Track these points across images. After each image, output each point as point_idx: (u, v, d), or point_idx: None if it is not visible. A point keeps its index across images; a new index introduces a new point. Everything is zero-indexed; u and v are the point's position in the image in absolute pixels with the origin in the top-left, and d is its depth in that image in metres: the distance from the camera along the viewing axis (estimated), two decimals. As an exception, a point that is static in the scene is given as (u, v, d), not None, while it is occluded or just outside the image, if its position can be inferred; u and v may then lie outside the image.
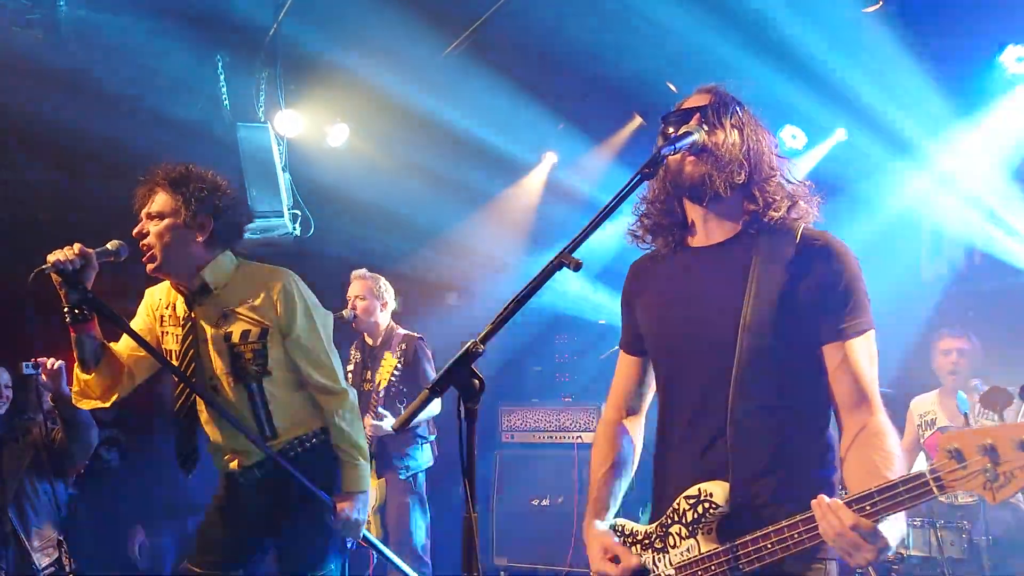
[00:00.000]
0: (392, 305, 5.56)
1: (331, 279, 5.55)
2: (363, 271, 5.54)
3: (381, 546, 3.63)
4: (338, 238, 6.76)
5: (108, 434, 5.65)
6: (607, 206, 1.96)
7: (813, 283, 2.08)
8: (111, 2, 5.52)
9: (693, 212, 2.26)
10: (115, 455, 6.16)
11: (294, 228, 6.69)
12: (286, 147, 6.69)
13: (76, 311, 3.01)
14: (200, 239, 3.18)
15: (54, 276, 2.92)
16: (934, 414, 5.30)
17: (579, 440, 6.44)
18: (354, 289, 5.47)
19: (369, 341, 5.50)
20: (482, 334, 1.80)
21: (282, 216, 6.48)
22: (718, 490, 2.04)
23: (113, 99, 5.66)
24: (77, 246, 2.96)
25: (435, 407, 5.11)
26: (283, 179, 6.52)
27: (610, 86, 6.42)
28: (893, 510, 1.78)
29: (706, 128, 2.16)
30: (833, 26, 5.39)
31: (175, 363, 3.24)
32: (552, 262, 1.86)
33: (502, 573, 6.38)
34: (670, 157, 2.14)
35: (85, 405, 3.27)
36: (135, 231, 3.17)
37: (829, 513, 1.82)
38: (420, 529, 5.28)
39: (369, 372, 5.44)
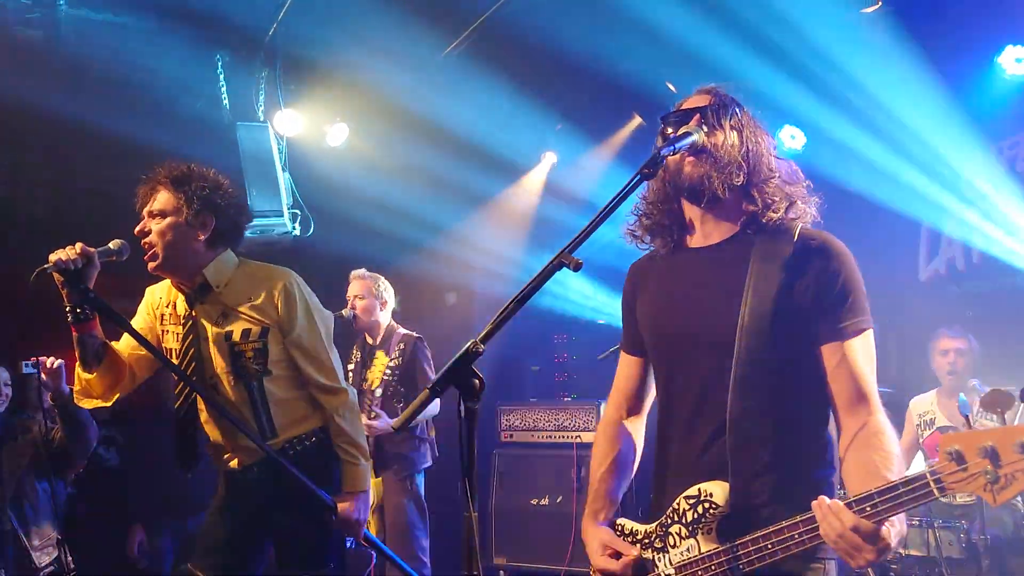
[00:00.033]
0: (392, 304, 5.56)
1: (330, 278, 5.56)
2: (362, 271, 5.54)
3: (382, 545, 3.63)
4: (337, 237, 6.76)
5: (106, 433, 5.64)
6: (607, 206, 1.97)
7: (811, 283, 2.08)
8: (111, 1, 5.52)
9: (691, 212, 2.26)
10: (113, 454, 6.16)
11: (293, 227, 6.70)
12: (286, 146, 6.70)
13: (78, 310, 3.01)
14: (202, 238, 3.19)
15: (56, 275, 2.92)
16: (933, 414, 5.30)
17: (578, 440, 6.43)
18: (353, 289, 5.48)
19: (370, 341, 5.51)
20: (482, 334, 1.80)
21: (281, 215, 6.49)
22: (718, 490, 2.04)
23: (113, 98, 5.67)
24: (79, 245, 2.96)
25: (434, 407, 5.11)
26: (283, 178, 6.53)
27: (609, 86, 6.43)
28: (894, 511, 1.78)
29: (705, 129, 2.17)
30: (832, 26, 5.39)
31: (175, 361, 3.24)
32: (552, 262, 1.87)
33: (501, 572, 6.38)
34: (669, 158, 2.15)
35: (87, 404, 3.28)
36: (137, 229, 3.17)
37: (830, 514, 1.83)
38: (418, 529, 5.27)
39: (367, 372, 5.45)
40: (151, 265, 3.17)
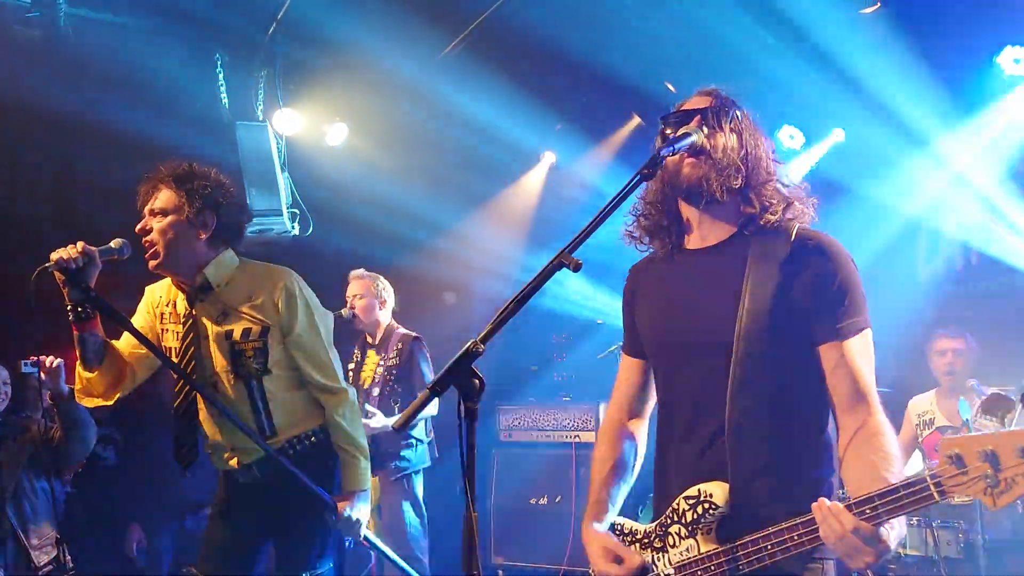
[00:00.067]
0: (392, 304, 5.56)
1: (329, 278, 5.56)
2: (361, 271, 5.55)
3: (381, 545, 3.63)
4: (336, 237, 6.76)
5: (104, 432, 5.64)
6: (606, 207, 1.97)
7: (808, 282, 2.08)
8: (111, 1, 5.52)
9: (689, 213, 2.27)
10: (112, 453, 6.16)
11: (292, 227, 6.69)
12: (285, 146, 6.70)
13: (79, 309, 3.01)
14: (203, 236, 3.19)
15: (57, 274, 2.92)
16: (932, 414, 5.31)
17: (577, 439, 6.44)
18: (352, 289, 5.48)
19: (370, 340, 5.51)
20: (482, 334, 1.80)
21: (281, 215, 6.49)
22: (718, 491, 2.04)
23: (112, 98, 5.66)
24: (80, 244, 2.97)
25: (432, 408, 5.11)
26: (282, 178, 6.52)
27: (609, 86, 6.43)
28: (894, 514, 1.79)
29: (705, 130, 2.17)
30: (831, 26, 5.40)
31: (175, 360, 3.25)
32: (552, 262, 1.87)
33: (500, 572, 6.38)
34: (668, 158, 2.15)
35: (88, 403, 3.28)
36: (138, 227, 3.17)
37: (830, 516, 1.83)
38: (415, 530, 5.26)
39: (360, 371, 5.45)
40: (152, 263, 3.17)
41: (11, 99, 5.33)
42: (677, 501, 2.11)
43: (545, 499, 6.39)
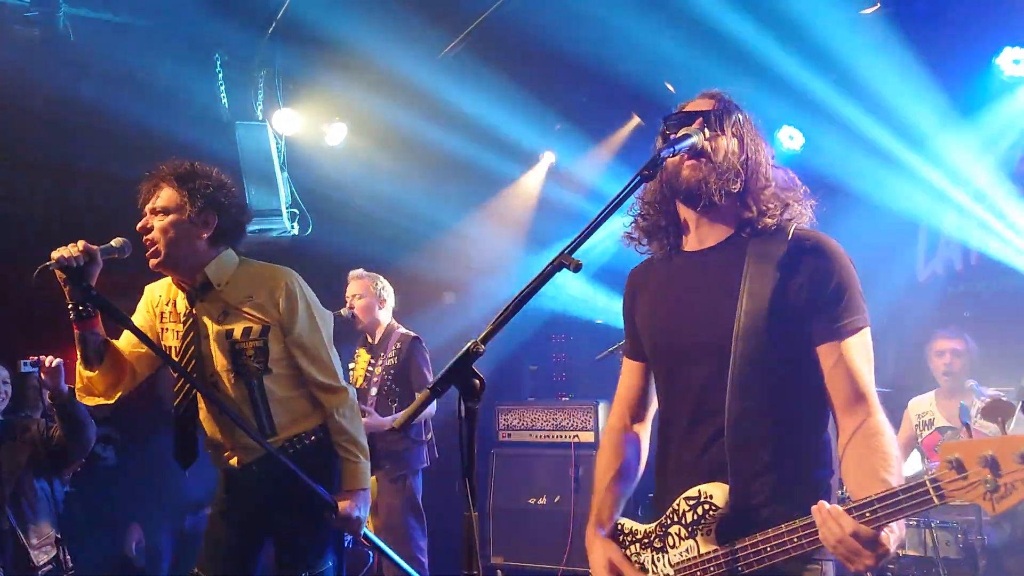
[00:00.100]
0: (391, 303, 5.55)
1: (329, 278, 5.56)
2: (360, 271, 5.54)
3: (381, 544, 3.64)
4: (336, 237, 6.76)
5: (104, 432, 5.65)
6: (607, 208, 1.97)
7: (805, 282, 2.08)
8: (110, 0, 5.52)
9: (687, 215, 2.27)
10: (111, 453, 6.17)
11: (292, 227, 6.70)
12: (284, 146, 6.70)
13: (80, 308, 3.01)
14: (204, 236, 3.19)
15: (58, 273, 2.92)
16: (932, 415, 5.32)
17: (576, 439, 6.44)
18: (352, 289, 5.47)
19: (371, 340, 5.50)
20: (483, 334, 1.81)
21: (280, 215, 6.50)
22: (718, 492, 2.05)
23: (111, 97, 5.67)
24: (81, 243, 2.97)
25: (430, 408, 5.10)
26: (281, 178, 6.53)
27: (608, 86, 6.44)
28: (893, 518, 1.79)
29: (707, 133, 2.17)
30: (830, 27, 5.40)
31: (175, 359, 3.25)
32: (552, 263, 1.87)
33: (499, 572, 6.38)
34: (669, 159, 2.15)
35: (89, 402, 3.28)
36: (139, 225, 3.17)
37: (830, 519, 1.83)
38: (413, 530, 5.24)
39: (366, 371, 5.45)
40: (153, 262, 3.17)
41: (11, 98, 5.33)
42: (678, 502, 2.11)
43: (544, 499, 6.39)
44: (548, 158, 7.69)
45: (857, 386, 2.04)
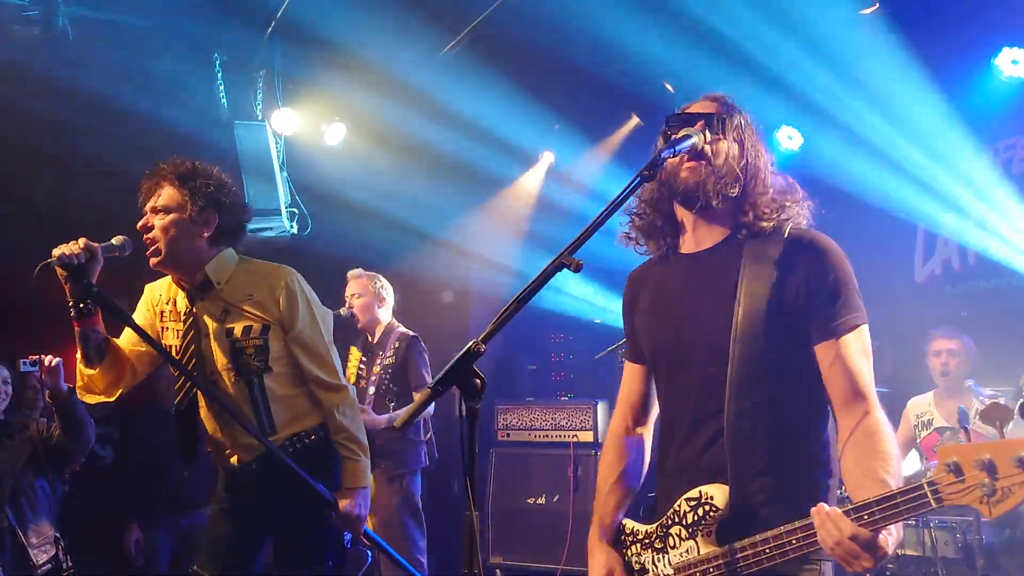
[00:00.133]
0: (391, 302, 5.55)
1: (327, 277, 5.56)
2: (359, 270, 5.54)
3: (381, 542, 3.64)
4: (334, 236, 6.77)
5: (102, 431, 5.64)
6: (607, 208, 1.98)
7: (801, 280, 2.08)
8: (110, 0, 5.53)
9: (683, 215, 2.27)
10: (109, 452, 6.16)
11: (291, 226, 6.70)
12: (283, 145, 6.70)
13: (81, 305, 3.02)
14: (205, 235, 3.20)
15: (59, 270, 2.92)
16: (931, 415, 5.32)
17: (575, 439, 6.45)
18: (351, 288, 5.47)
19: (371, 339, 5.50)
20: (484, 334, 1.81)
21: (279, 214, 6.50)
22: (718, 493, 2.05)
23: (110, 96, 5.66)
24: (82, 241, 2.97)
25: (428, 408, 5.09)
26: (280, 177, 6.53)
27: (608, 86, 6.44)
28: (891, 520, 1.79)
29: (708, 136, 2.17)
30: (829, 27, 5.41)
31: (175, 358, 3.25)
32: (553, 263, 1.88)
33: (497, 571, 6.39)
34: (668, 160, 2.15)
35: (90, 399, 3.28)
36: (140, 224, 3.17)
37: (828, 522, 1.83)
38: (411, 529, 5.22)
39: (365, 369, 5.45)
40: (153, 261, 3.17)
41: (10, 97, 5.33)
42: (679, 502, 2.12)
43: (543, 498, 6.40)
44: (547, 158, 7.70)
45: (855, 383, 2.04)
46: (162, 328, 3.35)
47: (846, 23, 5.45)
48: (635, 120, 7.15)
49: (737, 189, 2.17)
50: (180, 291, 3.29)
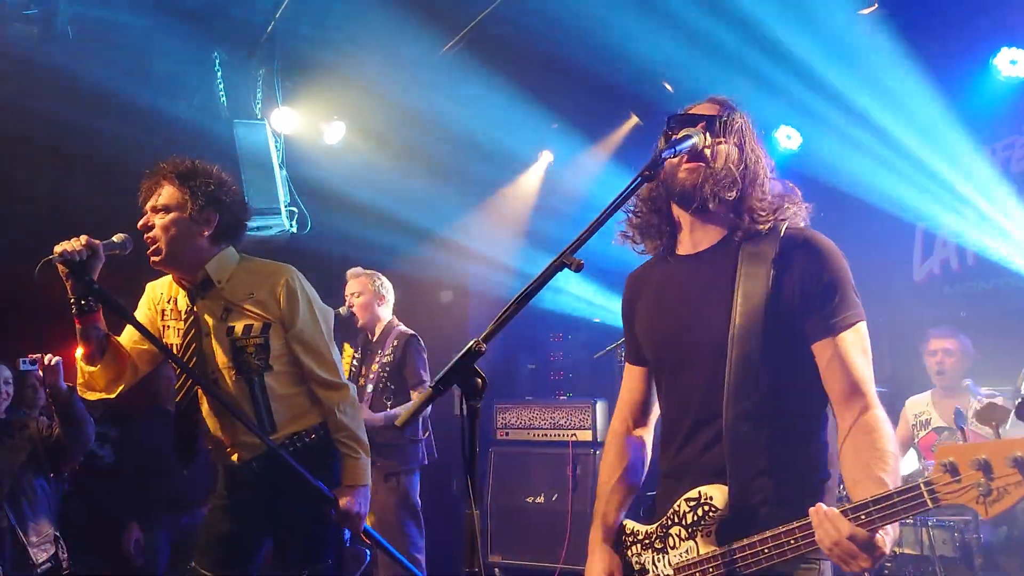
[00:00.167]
0: (391, 300, 5.55)
1: (327, 276, 5.56)
2: (357, 269, 5.54)
3: (381, 539, 3.64)
4: (334, 235, 6.78)
5: (101, 431, 5.65)
6: (608, 208, 1.99)
7: (797, 279, 2.09)
8: (109, -1, 5.54)
9: (680, 215, 2.28)
10: (108, 451, 6.17)
11: (291, 225, 6.70)
12: (283, 144, 6.71)
13: (82, 302, 3.02)
14: (206, 233, 3.20)
15: (60, 267, 2.93)
16: (928, 414, 5.34)
17: (573, 438, 6.45)
18: (351, 287, 5.47)
19: (371, 337, 5.51)
20: (485, 333, 1.82)
21: (279, 213, 6.50)
22: (718, 493, 2.06)
23: (110, 95, 5.67)
24: (84, 237, 2.97)
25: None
26: (280, 176, 6.53)
27: (606, 85, 6.44)
28: (888, 520, 1.80)
29: (709, 138, 2.17)
30: (828, 27, 5.42)
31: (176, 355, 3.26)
32: (554, 262, 1.89)
33: (496, 570, 6.40)
34: (668, 160, 2.15)
35: (91, 396, 3.28)
36: (140, 224, 3.18)
37: (826, 522, 1.84)
38: (408, 528, 5.21)
39: (364, 367, 5.45)
40: (154, 260, 3.18)
41: (10, 96, 5.33)
42: (678, 503, 2.12)
43: (542, 497, 6.41)
44: (546, 157, 7.70)
45: (853, 380, 2.04)
46: (163, 326, 3.35)
47: (845, 23, 5.45)
48: (634, 120, 7.15)
49: (734, 193, 2.17)
50: (181, 290, 3.30)
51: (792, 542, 1.92)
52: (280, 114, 6.55)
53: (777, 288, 2.08)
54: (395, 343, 5.38)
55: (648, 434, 2.48)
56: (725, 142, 2.19)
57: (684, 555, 2.10)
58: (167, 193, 3.17)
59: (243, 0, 5.79)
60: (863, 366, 2.06)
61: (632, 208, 2.34)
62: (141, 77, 5.79)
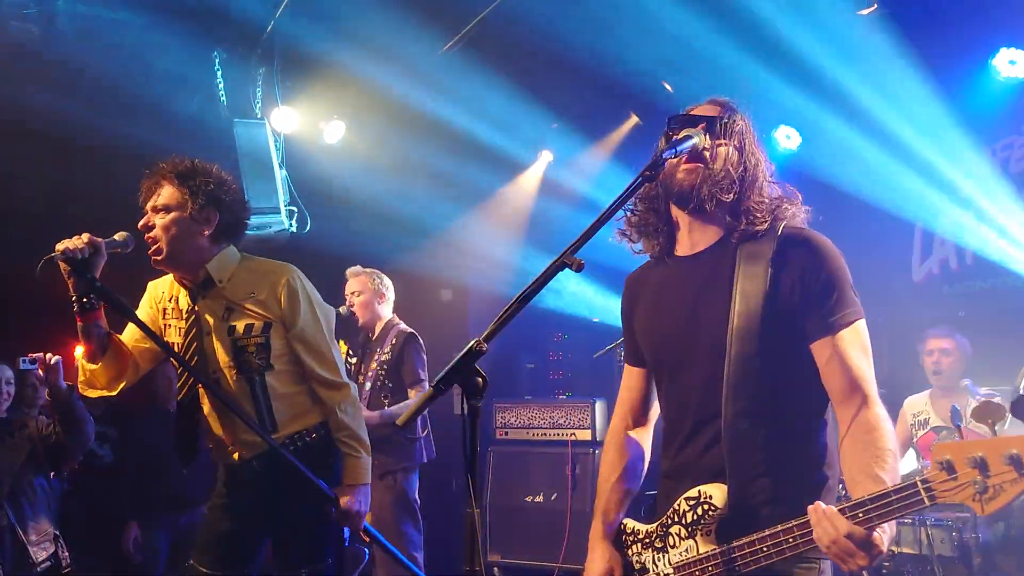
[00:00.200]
0: (391, 298, 5.56)
1: (327, 275, 5.56)
2: (357, 268, 5.54)
3: (381, 538, 3.65)
4: (334, 234, 6.77)
5: (100, 430, 5.64)
6: (609, 207, 1.99)
7: (796, 278, 2.09)
8: (108, -3, 5.53)
9: (678, 215, 2.28)
10: (107, 450, 6.17)
11: (290, 224, 6.70)
12: (283, 144, 6.71)
13: (84, 300, 3.02)
14: (206, 233, 3.21)
15: (62, 265, 2.93)
16: (927, 414, 5.35)
17: (573, 437, 6.45)
18: (351, 286, 5.48)
19: (372, 336, 5.51)
20: (486, 333, 1.82)
21: (278, 212, 6.51)
22: (717, 492, 2.06)
23: (109, 94, 5.67)
24: (86, 235, 2.98)
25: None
26: (279, 175, 6.54)
27: (606, 85, 6.45)
28: (886, 518, 1.81)
29: (708, 140, 2.17)
30: (828, 27, 5.42)
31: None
32: (555, 262, 1.89)
33: (495, 569, 6.40)
34: (669, 160, 2.16)
35: (92, 394, 3.29)
36: (140, 224, 3.18)
37: (824, 520, 1.84)
38: (406, 526, 5.21)
39: (363, 366, 5.45)
40: (155, 259, 3.18)
41: (7, 94, 5.33)
42: (678, 502, 2.13)
43: (541, 496, 6.41)
44: (546, 157, 7.70)
45: (852, 378, 2.05)
46: (164, 325, 3.36)
47: (844, 23, 5.45)
48: (634, 119, 7.15)
49: (732, 195, 2.17)
50: (182, 289, 3.30)
51: (791, 540, 1.93)
52: (280, 113, 6.55)
53: (775, 287, 2.09)
54: (393, 341, 5.38)
55: (647, 433, 2.48)
56: (725, 144, 2.19)
57: (684, 554, 2.11)
58: (167, 193, 3.18)
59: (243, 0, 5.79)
60: (862, 364, 2.06)
61: (630, 207, 2.34)
62: (141, 76, 5.79)
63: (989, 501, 1.72)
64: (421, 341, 5.45)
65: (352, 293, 5.45)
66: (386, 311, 5.50)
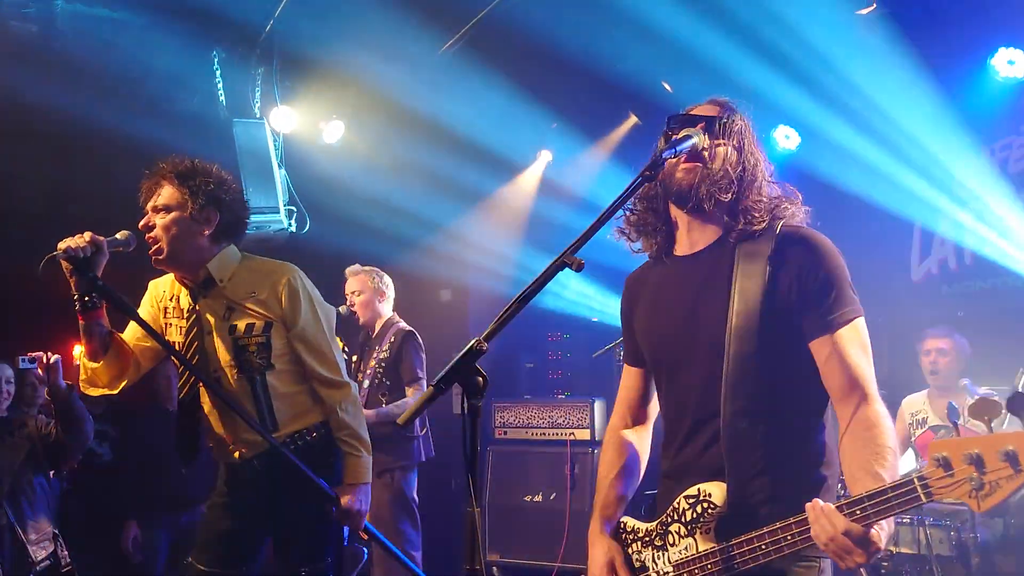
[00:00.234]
0: (392, 296, 5.56)
1: (326, 275, 5.56)
2: (356, 266, 5.54)
3: (381, 537, 3.65)
4: (333, 234, 6.78)
5: (100, 429, 5.66)
6: (609, 207, 2.00)
7: (794, 277, 2.09)
8: (108, -3, 5.53)
9: (677, 214, 2.29)
10: (106, 449, 6.17)
11: (289, 224, 6.70)
12: (282, 143, 6.71)
13: (86, 298, 3.03)
14: (206, 232, 3.21)
15: (64, 263, 2.93)
16: (925, 413, 5.35)
17: (572, 437, 6.45)
18: (351, 285, 5.48)
19: (372, 335, 5.51)
20: (486, 332, 1.83)
21: (278, 212, 6.50)
22: (716, 491, 2.07)
23: (108, 94, 5.67)
24: (88, 234, 2.99)
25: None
26: (279, 175, 6.54)
27: (606, 85, 6.44)
28: (883, 515, 1.81)
29: (708, 139, 2.18)
30: (827, 27, 5.42)
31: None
32: (555, 262, 1.90)
33: (495, 568, 6.41)
34: (668, 160, 2.16)
35: (93, 392, 3.29)
36: (141, 223, 3.19)
37: (822, 517, 1.85)
38: (404, 525, 5.21)
39: (362, 364, 5.45)
40: (156, 259, 3.19)
41: (7, 93, 5.33)
42: (678, 500, 2.14)
43: (540, 496, 6.41)
44: (545, 157, 7.70)
45: (851, 376, 2.05)
46: (166, 324, 3.36)
47: (843, 23, 5.45)
48: (633, 119, 7.15)
49: (730, 195, 2.18)
50: (183, 288, 3.30)
51: (789, 538, 1.93)
52: (279, 113, 6.55)
53: (773, 285, 2.09)
54: (392, 339, 5.39)
55: (646, 433, 2.49)
56: (724, 144, 2.20)
57: (683, 552, 2.11)
58: (167, 193, 3.18)
59: (242, -1, 5.79)
60: (862, 362, 2.07)
61: (629, 206, 2.35)
62: (139, 76, 5.79)
63: (985, 497, 1.72)
64: (420, 339, 5.46)
65: (352, 292, 5.46)
66: (386, 309, 5.51)
